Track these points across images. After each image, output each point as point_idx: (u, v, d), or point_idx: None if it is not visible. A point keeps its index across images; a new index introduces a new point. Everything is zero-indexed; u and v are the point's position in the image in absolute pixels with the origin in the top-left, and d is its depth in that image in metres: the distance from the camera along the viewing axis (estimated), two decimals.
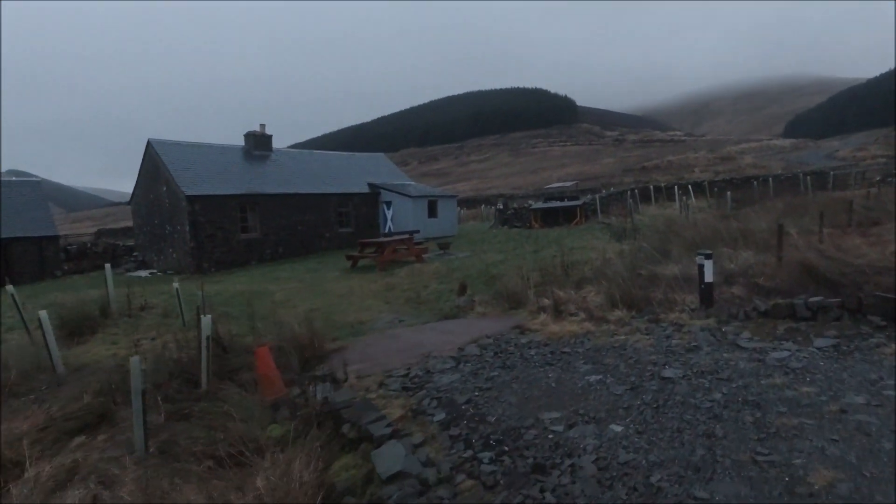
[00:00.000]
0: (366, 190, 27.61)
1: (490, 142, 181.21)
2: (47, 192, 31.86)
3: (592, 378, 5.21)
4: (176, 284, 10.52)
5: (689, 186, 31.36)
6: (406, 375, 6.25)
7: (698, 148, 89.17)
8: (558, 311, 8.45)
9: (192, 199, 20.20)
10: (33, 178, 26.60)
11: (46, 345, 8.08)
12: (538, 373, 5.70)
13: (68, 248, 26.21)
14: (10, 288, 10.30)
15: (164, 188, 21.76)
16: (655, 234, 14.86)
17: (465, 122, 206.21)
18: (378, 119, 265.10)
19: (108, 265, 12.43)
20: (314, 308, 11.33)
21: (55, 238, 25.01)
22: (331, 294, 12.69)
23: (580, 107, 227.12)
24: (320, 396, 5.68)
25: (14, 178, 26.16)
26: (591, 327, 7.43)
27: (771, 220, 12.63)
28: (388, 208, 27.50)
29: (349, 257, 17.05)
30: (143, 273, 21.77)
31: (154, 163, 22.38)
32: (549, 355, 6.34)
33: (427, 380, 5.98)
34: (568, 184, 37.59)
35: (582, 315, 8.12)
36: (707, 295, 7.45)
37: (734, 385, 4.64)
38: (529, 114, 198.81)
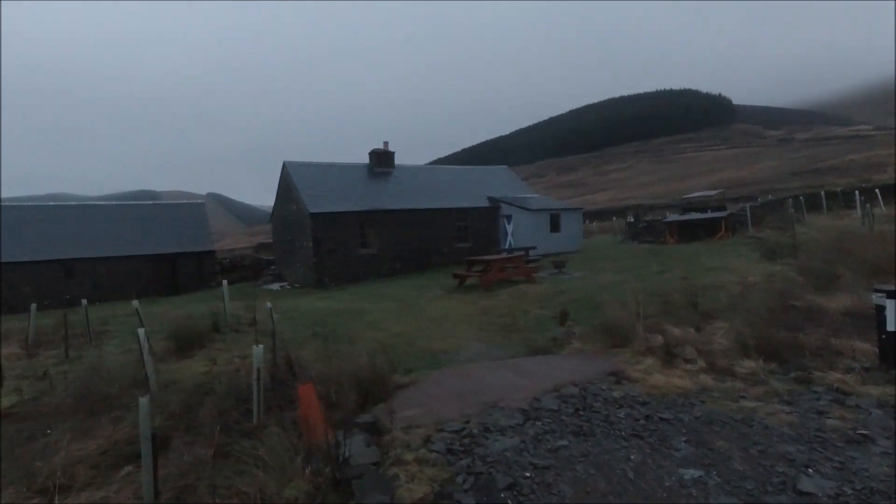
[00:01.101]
0: (485, 204, 26.91)
1: (631, 149, 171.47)
2: (238, 211, 36.04)
3: (689, 473, 3.68)
4: (269, 304, 10.60)
5: (877, 190, 25.55)
6: (459, 432, 5.19)
7: (891, 144, 74.40)
8: (670, 355, 6.75)
9: (314, 216, 21.18)
10: (198, 201, 30.36)
11: (143, 361, 8.46)
12: (618, 449, 4.29)
13: (223, 261, 29.31)
14: (135, 303, 11.20)
15: (294, 206, 23.20)
16: (820, 252, 11.92)
17: (605, 131, 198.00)
18: (515, 132, 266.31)
19: (224, 281, 13.15)
20: (399, 333, 10.74)
21: (212, 252, 28.12)
22: (424, 316, 12.03)
23: (737, 105, 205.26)
24: (348, 453, 4.88)
25: (183, 201, 30.07)
26: (708, 382, 5.70)
27: None
28: (509, 223, 26.49)
29: (456, 276, 16.36)
30: (275, 286, 23.36)
31: (287, 182, 24.02)
32: (642, 421, 4.86)
33: (480, 441, 4.88)
34: (712, 192, 33.25)
35: (700, 363, 6.35)
36: (890, 349, 5.29)
37: None
38: (676, 117, 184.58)
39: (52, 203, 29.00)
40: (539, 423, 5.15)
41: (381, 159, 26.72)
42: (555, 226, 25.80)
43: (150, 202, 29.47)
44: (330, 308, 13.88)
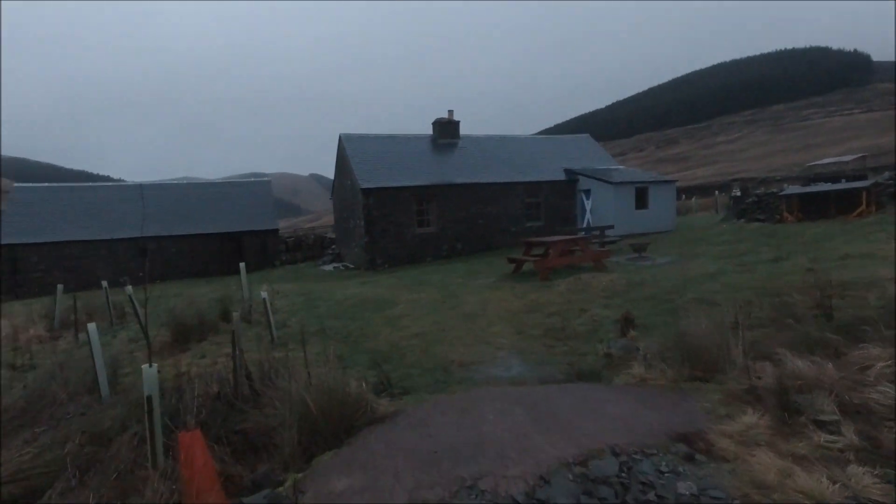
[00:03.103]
0: (561, 177, 23.87)
1: (743, 118, 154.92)
2: (328, 186, 35.71)
3: None
4: (264, 294, 8.93)
5: None
6: None
7: None
8: (788, 408, 4.03)
9: (366, 192, 19.55)
10: (264, 179, 30.08)
11: (94, 362, 7.10)
12: None
13: (287, 240, 28.87)
14: (128, 289, 10.07)
15: (349, 182, 21.77)
16: None
17: (712, 99, 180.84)
18: (612, 104, 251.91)
19: (242, 264, 11.76)
20: (420, 333, 8.63)
21: (275, 231, 27.69)
22: (459, 311, 9.82)
23: (877, 62, 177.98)
24: None
25: (250, 180, 29.91)
26: (869, 486, 3.00)
27: None
28: (587, 198, 23.31)
29: (511, 260, 13.91)
30: (330, 267, 22.21)
31: (343, 157, 22.61)
32: None
33: None
34: (847, 158, 27.47)
35: (848, 433, 3.59)
36: None
37: None
38: (798, 80, 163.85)
39: (128, 183, 30.07)
40: None
41: (445, 129, 24.52)
42: (641, 201, 22.25)
43: (219, 180, 29.56)
44: (360, 296, 12.10)
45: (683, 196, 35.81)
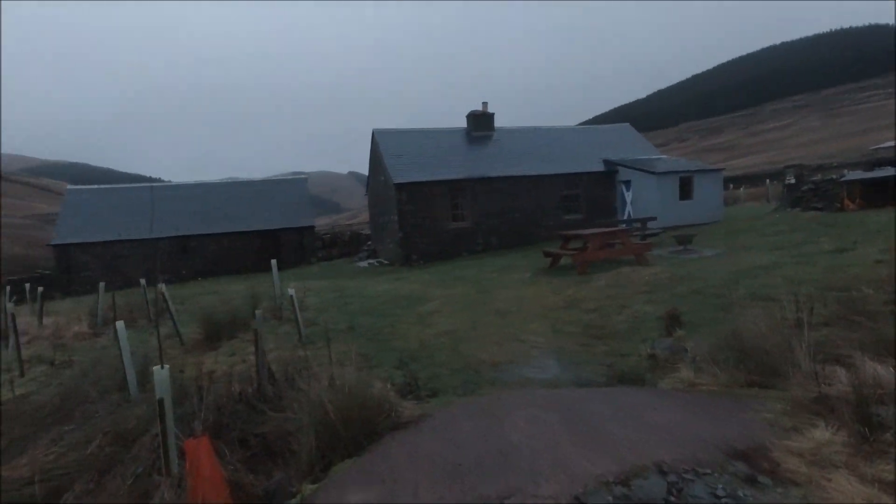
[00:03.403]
0: (599, 168, 23.05)
1: (792, 104, 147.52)
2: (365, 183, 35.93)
3: None
4: (291, 292, 8.77)
5: None
6: None
7: None
8: (867, 422, 3.47)
9: (399, 187, 19.33)
10: (300, 177, 30.36)
11: (122, 359, 7.08)
12: None
13: (323, 236, 29.06)
14: (161, 286, 10.11)
15: (382, 177, 21.61)
16: None
17: (759, 85, 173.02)
18: (653, 94, 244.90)
19: (273, 261, 11.69)
20: (450, 331, 8.28)
21: (311, 228, 27.90)
22: (492, 307, 9.43)
23: None
24: None
25: (288, 178, 30.24)
26: None
27: None
28: (627, 189, 22.41)
29: (547, 254, 13.39)
30: (365, 263, 22.14)
31: (376, 152, 22.48)
32: None
33: None
34: None
35: None
36: None
37: None
38: (855, 61, 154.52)
39: (171, 183, 30.92)
40: None
41: (480, 122, 24.05)
42: (685, 192, 21.21)
43: (257, 179, 30.00)
44: (392, 293, 11.85)
45: (731, 186, 34.10)
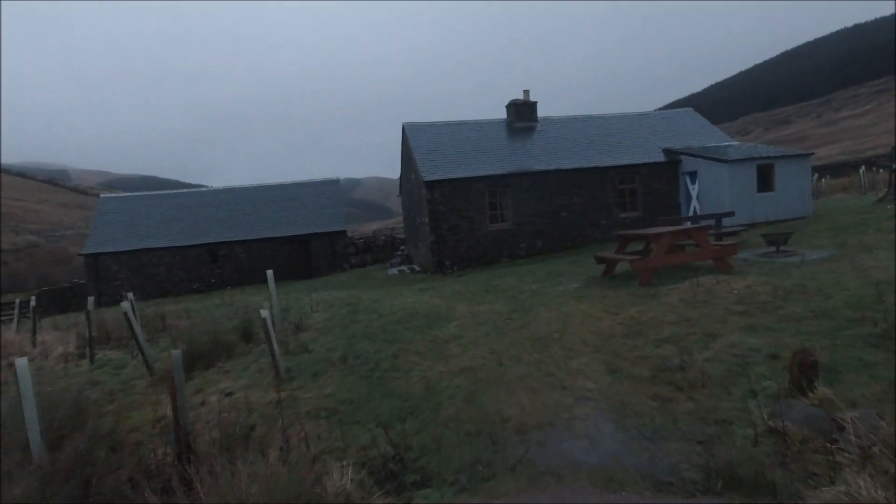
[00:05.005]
0: (660, 158, 20.18)
1: (870, 89, 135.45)
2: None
3: None
4: (264, 313, 6.83)
5: None
6: None
7: None
8: None
9: (431, 185, 17.27)
10: (332, 178, 28.86)
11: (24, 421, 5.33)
12: None
13: (356, 242, 27.42)
14: (124, 304, 8.42)
15: (413, 175, 19.64)
16: None
17: (830, 71, 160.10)
18: (712, 86, 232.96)
19: (269, 272, 9.87)
20: (469, 367, 6.08)
21: (343, 233, 26.30)
22: (526, 333, 7.14)
23: None
24: None
25: (319, 179, 28.80)
26: None
27: None
28: (693, 182, 19.43)
29: (600, 259, 10.94)
30: (395, 270, 20.21)
31: (407, 148, 20.54)
32: None
33: None
34: None
35: None
36: None
37: None
38: None
39: (201, 189, 30.13)
40: None
41: (521, 112, 21.66)
42: (765, 182, 18.05)
43: (289, 182, 28.68)
44: (411, 308, 9.73)
45: (816, 176, 30.10)
